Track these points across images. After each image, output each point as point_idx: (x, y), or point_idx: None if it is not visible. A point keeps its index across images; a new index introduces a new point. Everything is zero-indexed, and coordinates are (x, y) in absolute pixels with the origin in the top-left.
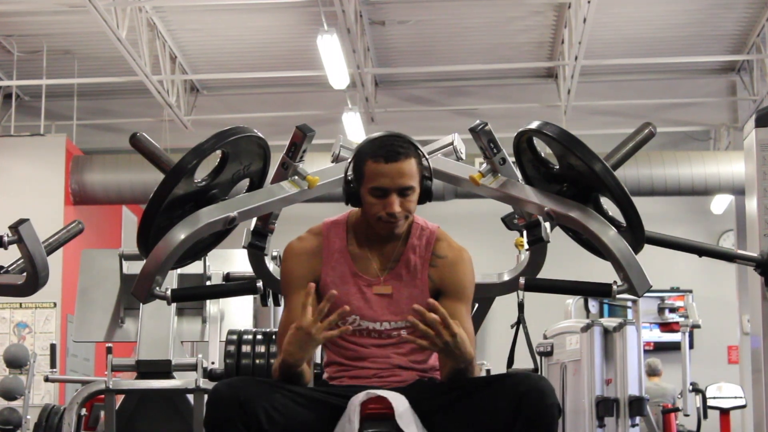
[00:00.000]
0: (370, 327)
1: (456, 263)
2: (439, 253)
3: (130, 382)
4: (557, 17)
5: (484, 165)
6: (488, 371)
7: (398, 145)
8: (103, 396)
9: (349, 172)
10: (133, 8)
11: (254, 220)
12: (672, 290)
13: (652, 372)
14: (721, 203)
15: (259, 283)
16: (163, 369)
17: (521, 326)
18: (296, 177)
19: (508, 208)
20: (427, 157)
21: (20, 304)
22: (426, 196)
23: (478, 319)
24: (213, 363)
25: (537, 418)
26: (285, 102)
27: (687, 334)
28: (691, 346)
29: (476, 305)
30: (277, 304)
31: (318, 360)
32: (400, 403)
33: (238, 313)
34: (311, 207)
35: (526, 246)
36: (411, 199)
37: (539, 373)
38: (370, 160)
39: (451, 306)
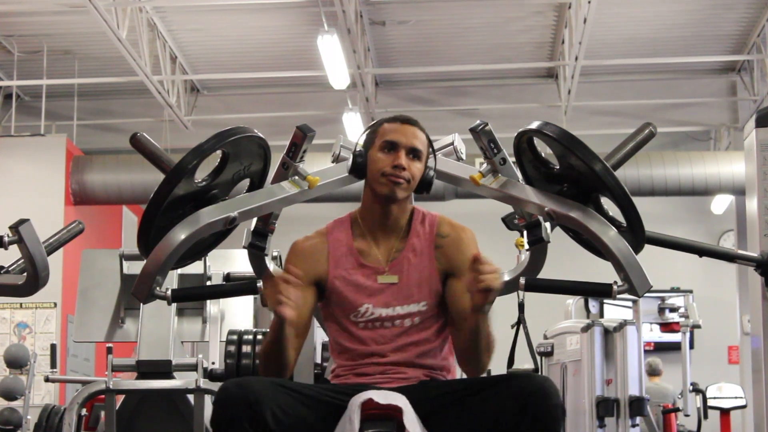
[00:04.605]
0: (383, 314)
1: (459, 242)
2: (442, 232)
3: (130, 382)
4: (557, 17)
5: (485, 165)
6: (489, 371)
7: (416, 120)
8: (103, 396)
9: (360, 143)
10: (134, 8)
11: (254, 220)
12: (672, 290)
13: (653, 372)
14: (721, 203)
15: (260, 283)
16: (164, 369)
17: (521, 326)
18: (296, 177)
19: (508, 208)
20: (435, 154)
21: (20, 304)
22: (426, 186)
23: None
24: (213, 363)
25: (542, 418)
26: (285, 102)
27: (687, 334)
28: (691, 346)
29: None
30: None
31: (318, 360)
32: (402, 403)
33: (238, 313)
34: (312, 207)
35: (527, 246)
36: (417, 166)
37: (539, 373)
38: (386, 123)
39: (461, 286)
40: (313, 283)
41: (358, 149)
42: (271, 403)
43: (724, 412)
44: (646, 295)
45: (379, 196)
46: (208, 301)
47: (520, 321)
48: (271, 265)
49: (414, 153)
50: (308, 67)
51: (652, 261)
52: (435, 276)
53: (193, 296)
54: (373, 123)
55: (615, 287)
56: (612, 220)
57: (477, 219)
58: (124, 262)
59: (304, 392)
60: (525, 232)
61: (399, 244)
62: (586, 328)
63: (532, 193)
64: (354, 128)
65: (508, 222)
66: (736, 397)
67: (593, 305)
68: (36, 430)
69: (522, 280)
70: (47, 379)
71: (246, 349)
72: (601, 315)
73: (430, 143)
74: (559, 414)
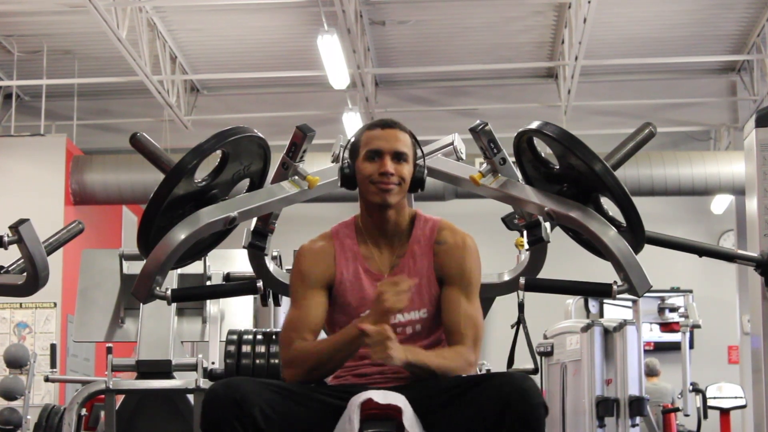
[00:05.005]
0: None
1: (456, 248)
2: (440, 239)
3: (130, 382)
4: (557, 17)
5: (484, 165)
6: (488, 371)
7: (396, 121)
8: (103, 396)
9: (346, 154)
10: (133, 8)
11: (254, 220)
12: (672, 290)
13: (651, 372)
14: (721, 203)
15: (260, 283)
16: (164, 369)
17: (521, 326)
18: (296, 177)
19: (508, 208)
20: (423, 150)
21: (20, 304)
22: (418, 183)
23: None
24: (213, 363)
25: (523, 418)
26: (285, 102)
27: (687, 334)
28: (691, 346)
29: None
30: (277, 304)
31: None
32: (402, 403)
33: (238, 313)
34: (312, 207)
35: (526, 246)
36: (405, 167)
37: (539, 373)
38: (367, 130)
39: (452, 293)
40: (325, 285)
41: (345, 161)
42: (259, 400)
43: (724, 412)
44: (646, 295)
45: (372, 205)
46: (208, 301)
47: (520, 321)
48: (271, 265)
49: (399, 156)
50: (308, 67)
51: (652, 261)
52: (434, 282)
53: (193, 296)
54: (355, 132)
55: (615, 287)
56: (612, 220)
57: (477, 219)
58: (124, 262)
59: (297, 391)
60: (525, 232)
61: (400, 250)
62: (586, 328)
63: (532, 193)
64: (354, 128)
65: (508, 222)
66: (735, 397)
67: (593, 305)
68: (36, 430)
69: (522, 280)
70: (47, 379)
71: (246, 348)
72: (601, 315)
73: (416, 141)
74: (540, 413)
